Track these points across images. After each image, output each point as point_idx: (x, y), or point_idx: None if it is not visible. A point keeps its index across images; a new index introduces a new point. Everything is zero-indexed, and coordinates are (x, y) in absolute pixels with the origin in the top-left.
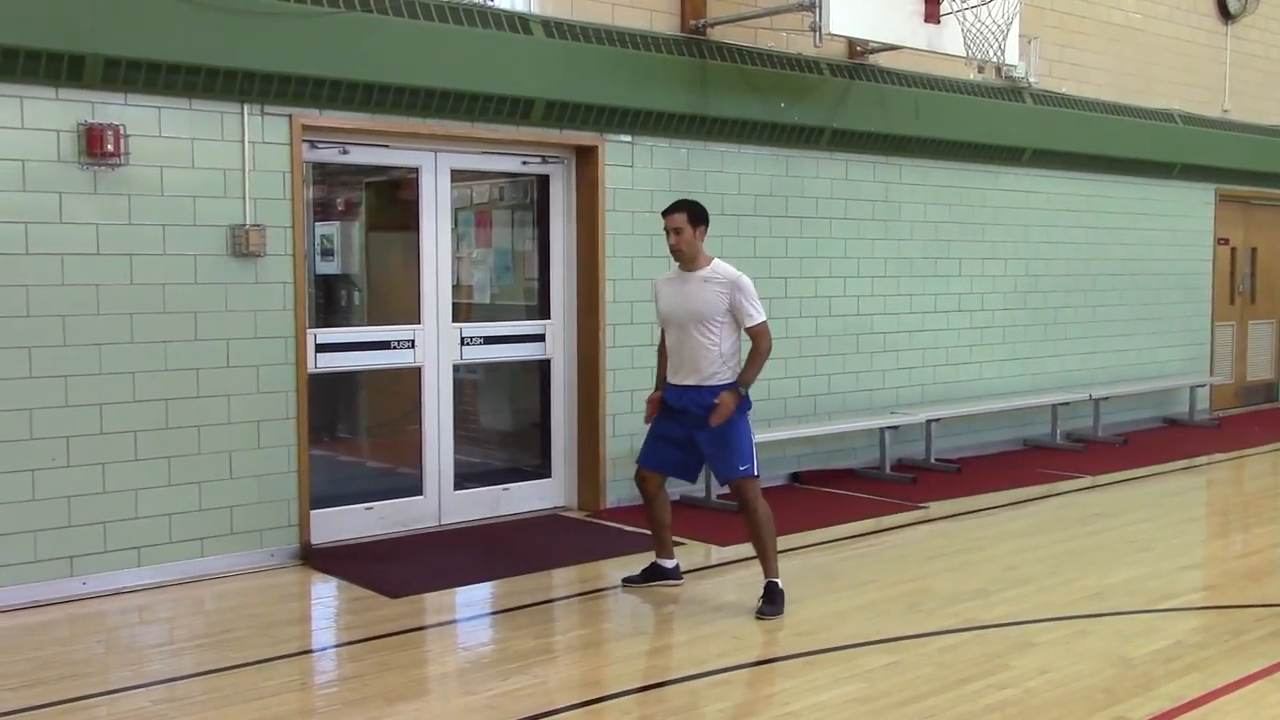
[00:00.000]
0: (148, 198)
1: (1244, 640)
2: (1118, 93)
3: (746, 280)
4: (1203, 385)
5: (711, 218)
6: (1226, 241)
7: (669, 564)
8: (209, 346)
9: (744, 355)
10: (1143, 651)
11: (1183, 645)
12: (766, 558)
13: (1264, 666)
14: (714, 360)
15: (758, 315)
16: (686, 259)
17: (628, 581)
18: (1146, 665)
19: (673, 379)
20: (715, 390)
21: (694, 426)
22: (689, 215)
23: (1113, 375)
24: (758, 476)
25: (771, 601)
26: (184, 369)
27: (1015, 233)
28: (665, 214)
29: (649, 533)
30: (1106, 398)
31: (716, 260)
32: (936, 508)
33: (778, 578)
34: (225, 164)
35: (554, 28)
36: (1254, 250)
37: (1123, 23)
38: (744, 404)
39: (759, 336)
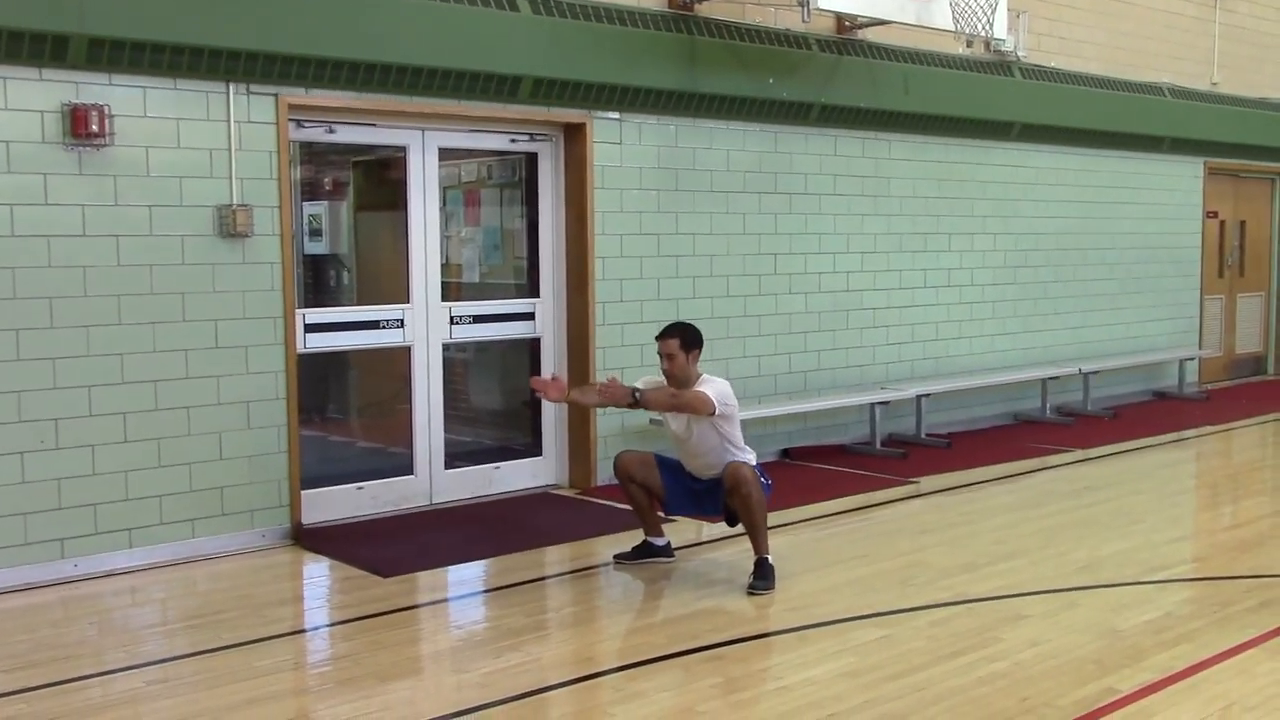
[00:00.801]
0: (133, 178)
1: (1232, 611)
2: (1106, 66)
3: (728, 409)
4: (1192, 358)
5: (699, 195)
6: (1215, 215)
7: (659, 541)
8: (197, 327)
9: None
10: (1132, 623)
11: (1172, 616)
12: (756, 535)
13: (1252, 637)
14: (723, 452)
15: (714, 401)
16: (679, 383)
17: (619, 559)
18: (1136, 636)
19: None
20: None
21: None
22: (681, 341)
23: (1102, 349)
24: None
25: (762, 576)
26: (172, 350)
27: (1004, 207)
28: (658, 338)
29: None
30: (1096, 371)
31: (705, 377)
32: (927, 482)
33: (768, 554)
34: (211, 144)
35: (541, 5)
36: (1243, 223)
37: None
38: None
39: (695, 401)
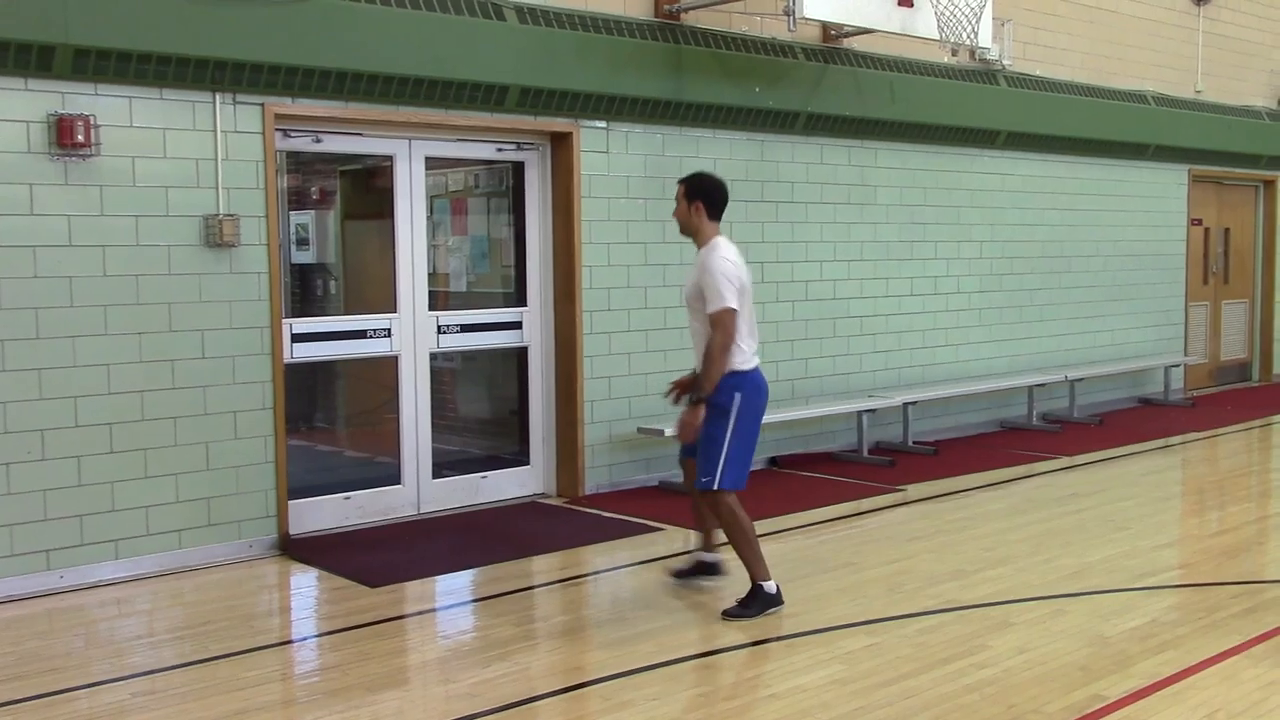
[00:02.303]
0: (120, 188)
1: (1219, 617)
2: (1091, 75)
3: (716, 257)
4: (1177, 365)
5: None
6: (1200, 222)
7: (712, 558)
8: (184, 338)
9: (746, 345)
10: (1119, 630)
11: (1159, 623)
12: (745, 564)
13: (1239, 643)
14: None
15: (717, 301)
16: (687, 234)
17: (675, 575)
18: (1123, 643)
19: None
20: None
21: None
22: (686, 188)
23: (1088, 356)
24: (717, 490)
25: (744, 603)
26: (159, 360)
27: (990, 215)
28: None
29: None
30: (1082, 379)
31: (717, 239)
32: (914, 490)
33: (761, 580)
34: (198, 154)
35: (527, 14)
36: (1227, 230)
37: (1095, 4)
38: (719, 408)
39: (715, 326)
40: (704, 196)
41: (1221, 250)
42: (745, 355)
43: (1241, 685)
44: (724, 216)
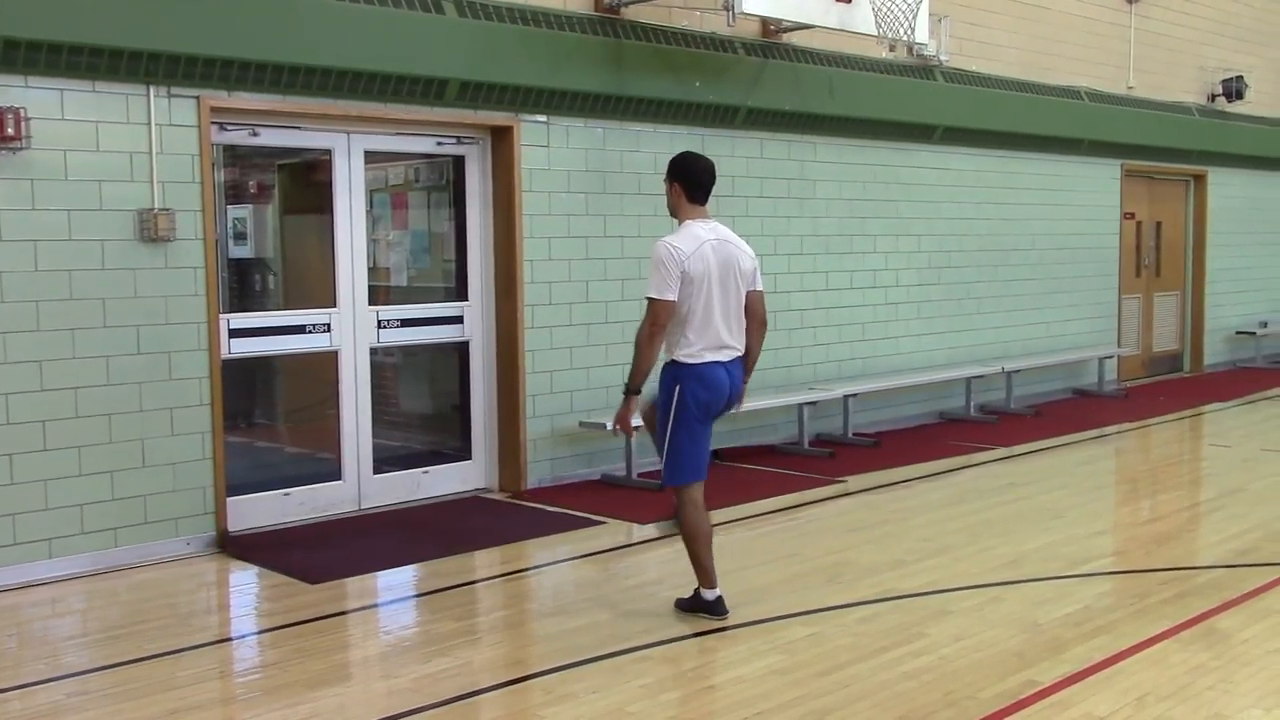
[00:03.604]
0: (51, 182)
1: (1149, 603)
2: (1026, 71)
3: (663, 243)
4: (1111, 356)
5: (628, 198)
6: (1132, 216)
7: (714, 595)
8: (118, 333)
9: (690, 333)
10: (1053, 616)
11: (1092, 609)
12: (693, 566)
13: (1167, 628)
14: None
15: (647, 289)
16: (676, 217)
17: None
18: (1057, 629)
19: None
20: (663, 370)
21: None
22: (667, 168)
23: (1024, 348)
24: (664, 487)
25: (688, 607)
26: (93, 357)
27: (928, 209)
28: None
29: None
30: (1019, 370)
31: (688, 222)
32: (855, 481)
33: (705, 588)
34: (132, 147)
35: (467, 7)
36: (1158, 224)
37: (1030, 1)
38: (661, 402)
39: (646, 330)
40: (680, 177)
41: (1153, 244)
42: (692, 348)
43: (1170, 669)
44: (666, 212)
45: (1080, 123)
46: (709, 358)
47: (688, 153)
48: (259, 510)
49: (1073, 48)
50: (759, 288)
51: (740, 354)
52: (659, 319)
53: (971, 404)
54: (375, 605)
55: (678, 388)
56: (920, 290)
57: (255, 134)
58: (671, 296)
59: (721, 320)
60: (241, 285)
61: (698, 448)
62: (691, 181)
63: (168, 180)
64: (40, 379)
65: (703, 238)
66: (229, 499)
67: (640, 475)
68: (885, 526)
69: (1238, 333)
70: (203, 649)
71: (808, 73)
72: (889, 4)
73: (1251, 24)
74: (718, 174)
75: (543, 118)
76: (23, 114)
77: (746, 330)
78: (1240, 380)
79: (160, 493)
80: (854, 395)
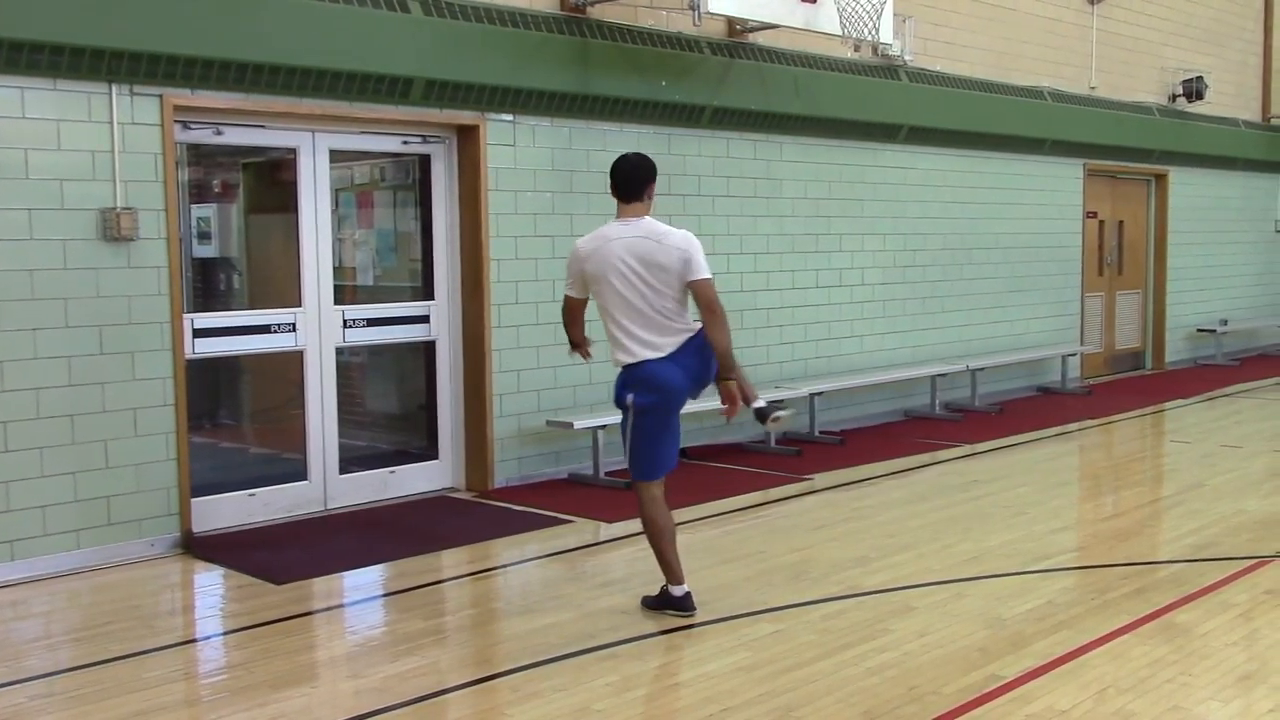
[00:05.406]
0: (12, 181)
1: (1110, 598)
2: (990, 70)
3: (576, 243)
4: (1074, 354)
5: (594, 197)
6: (1095, 215)
7: (681, 591)
8: (81, 334)
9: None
10: (1016, 611)
11: (1053, 604)
12: (659, 563)
13: (1127, 622)
14: None
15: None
16: None
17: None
18: (1019, 624)
19: None
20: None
21: None
22: None
23: (988, 346)
24: (632, 484)
25: (655, 605)
26: (55, 357)
27: (893, 208)
28: None
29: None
30: (983, 368)
31: (610, 221)
32: (821, 479)
33: (672, 584)
34: (94, 146)
35: (432, 6)
36: (1121, 223)
37: (994, 2)
38: (621, 410)
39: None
40: (644, 177)
41: (1116, 242)
42: (626, 350)
43: (1130, 662)
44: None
45: (1043, 122)
46: (645, 355)
47: (625, 154)
48: (224, 511)
49: (1035, 48)
50: (697, 276)
51: (680, 343)
52: (563, 312)
53: (936, 402)
54: (342, 605)
55: (630, 395)
56: (885, 289)
57: (219, 133)
58: (570, 293)
59: (633, 317)
60: (206, 285)
61: (655, 447)
62: (611, 181)
63: (130, 179)
64: (1, 380)
65: (610, 237)
66: (194, 500)
67: (607, 474)
68: (850, 524)
69: (1199, 330)
70: (168, 650)
71: (773, 72)
72: (854, 4)
73: (1211, 25)
74: (684, 173)
75: (509, 117)
76: None
77: (701, 320)
78: (1201, 377)
79: (124, 494)
80: (820, 394)
